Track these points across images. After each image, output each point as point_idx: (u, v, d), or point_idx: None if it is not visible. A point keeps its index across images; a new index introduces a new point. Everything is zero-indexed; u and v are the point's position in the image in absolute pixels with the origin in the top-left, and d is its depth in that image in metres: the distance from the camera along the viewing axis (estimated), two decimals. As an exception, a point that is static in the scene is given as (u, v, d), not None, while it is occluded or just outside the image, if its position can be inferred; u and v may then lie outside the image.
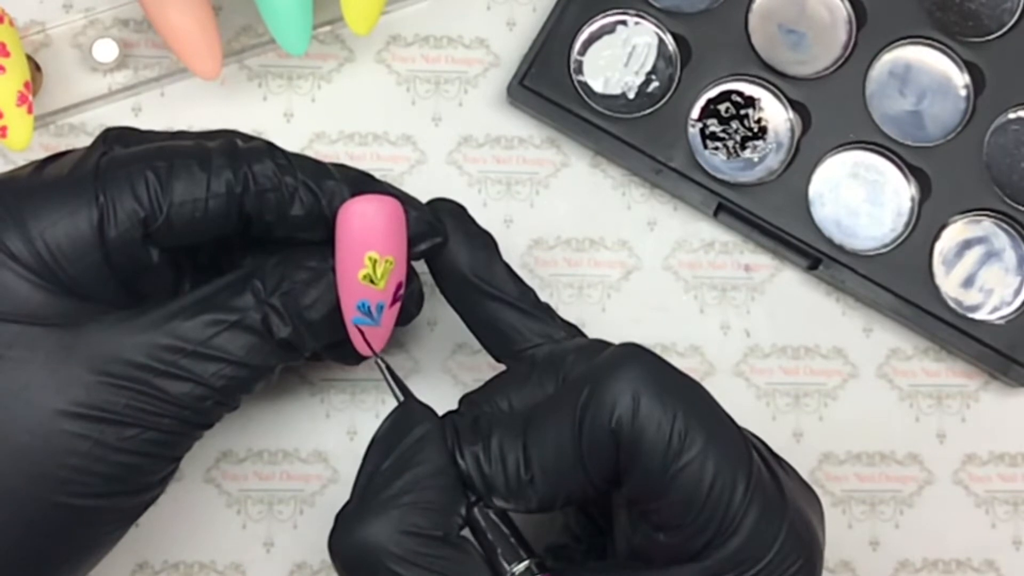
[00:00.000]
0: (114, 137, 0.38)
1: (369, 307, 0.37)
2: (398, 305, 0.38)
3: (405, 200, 0.38)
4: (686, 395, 0.33)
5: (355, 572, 0.33)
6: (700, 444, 0.32)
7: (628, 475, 0.33)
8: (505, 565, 0.34)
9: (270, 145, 0.37)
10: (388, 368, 0.37)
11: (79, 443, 0.33)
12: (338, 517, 0.34)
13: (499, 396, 0.37)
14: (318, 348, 0.38)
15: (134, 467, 0.35)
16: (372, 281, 0.36)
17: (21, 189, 0.35)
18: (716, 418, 0.34)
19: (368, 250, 0.36)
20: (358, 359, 0.41)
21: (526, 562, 0.34)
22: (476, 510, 0.34)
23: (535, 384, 0.37)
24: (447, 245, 0.39)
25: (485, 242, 0.39)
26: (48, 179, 0.36)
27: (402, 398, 0.36)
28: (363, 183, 0.38)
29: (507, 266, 0.39)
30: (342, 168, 0.38)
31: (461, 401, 0.38)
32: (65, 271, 0.35)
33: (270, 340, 0.36)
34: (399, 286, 0.37)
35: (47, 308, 0.34)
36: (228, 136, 0.38)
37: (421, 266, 0.40)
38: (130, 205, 0.35)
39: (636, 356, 0.34)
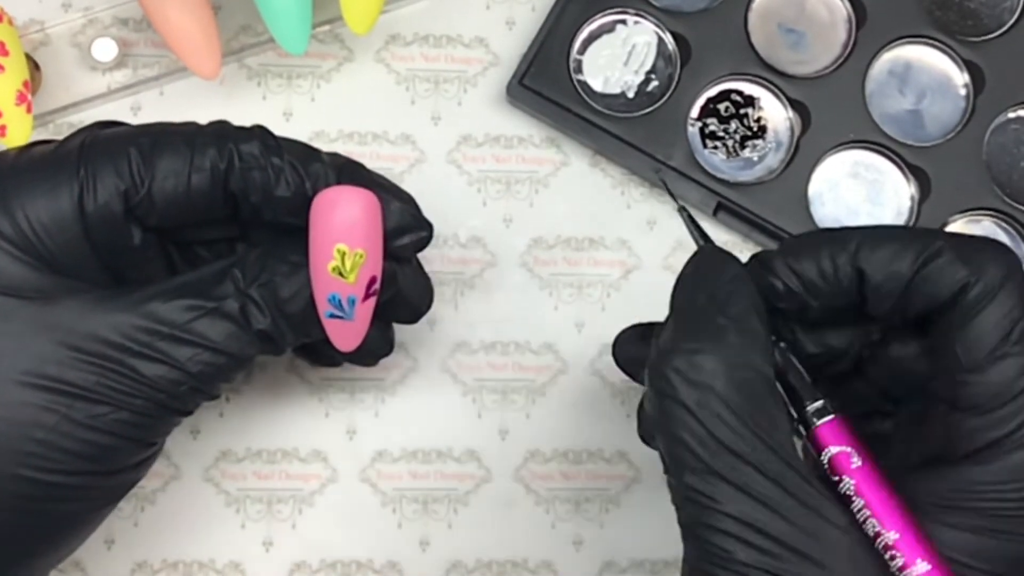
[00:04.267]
0: (103, 126, 0.38)
1: (340, 300, 0.36)
2: (372, 300, 0.37)
3: (392, 191, 0.38)
4: None
5: (678, 400, 0.31)
6: None
7: (949, 338, 0.32)
8: (805, 403, 0.33)
9: (262, 128, 0.37)
10: (689, 215, 0.37)
11: (46, 416, 0.33)
12: (659, 345, 0.32)
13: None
14: (297, 343, 0.38)
15: (105, 447, 0.34)
16: (341, 274, 0.36)
17: (5, 166, 0.36)
18: None
19: (336, 242, 0.35)
20: (336, 360, 0.40)
21: (821, 401, 0.33)
22: (776, 352, 0.34)
23: None
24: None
25: None
26: (33, 156, 0.36)
27: (702, 243, 0.36)
28: (352, 171, 0.38)
29: None
30: (334, 156, 0.38)
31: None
32: (45, 245, 0.35)
33: (248, 330, 0.36)
34: (372, 280, 0.37)
35: (25, 282, 0.35)
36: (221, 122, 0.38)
37: (428, 263, 0.40)
38: (111, 179, 0.35)
39: (1009, 251, 0.33)
